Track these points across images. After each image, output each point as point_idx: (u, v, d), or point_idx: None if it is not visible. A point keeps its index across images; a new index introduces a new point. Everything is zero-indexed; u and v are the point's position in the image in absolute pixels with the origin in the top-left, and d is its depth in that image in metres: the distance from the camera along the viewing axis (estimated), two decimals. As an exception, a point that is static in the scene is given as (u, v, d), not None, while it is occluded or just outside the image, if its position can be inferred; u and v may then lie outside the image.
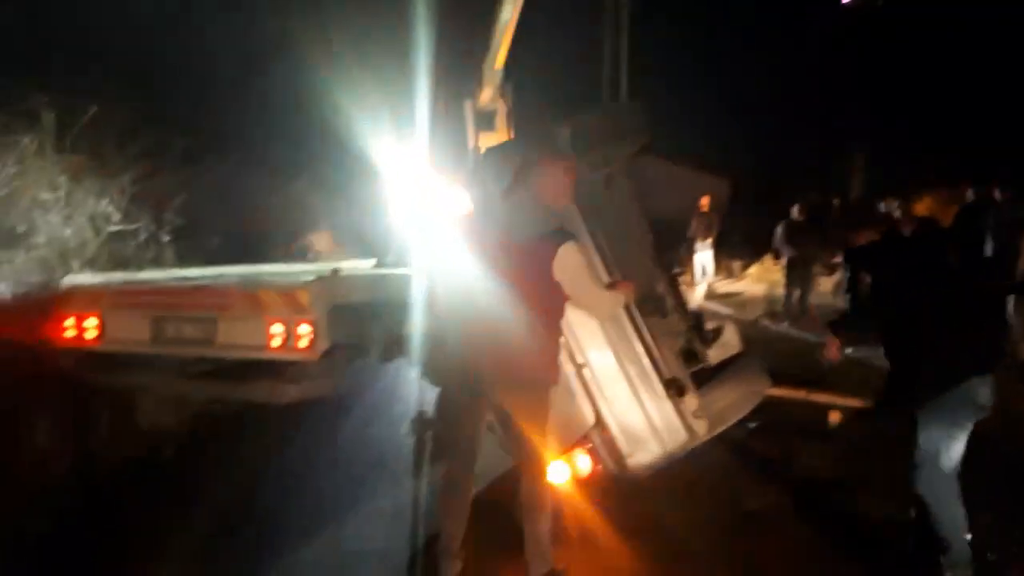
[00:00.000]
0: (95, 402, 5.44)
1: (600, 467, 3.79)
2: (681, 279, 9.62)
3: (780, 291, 11.19)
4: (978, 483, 3.94)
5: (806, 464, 4.78)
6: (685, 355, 4.27)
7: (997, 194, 9.05)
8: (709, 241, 12.47)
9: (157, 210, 8.54)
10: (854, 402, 5.44)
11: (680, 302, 4.79)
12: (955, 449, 3.18)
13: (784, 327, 10.11)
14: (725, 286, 14.29)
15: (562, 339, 3.40)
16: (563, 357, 3.53)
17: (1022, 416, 4.93)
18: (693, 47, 16.51)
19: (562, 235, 3.05)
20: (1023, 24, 13.72)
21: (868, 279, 3.45)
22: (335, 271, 5.26)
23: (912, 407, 3.21)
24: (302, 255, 9.87)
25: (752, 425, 4.94)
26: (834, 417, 4.27)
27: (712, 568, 3.54)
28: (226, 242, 9.58)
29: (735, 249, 15.16)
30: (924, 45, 15.60)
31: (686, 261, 12.50)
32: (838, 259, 11.60)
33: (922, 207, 14.14)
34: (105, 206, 8.00)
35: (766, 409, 4.61)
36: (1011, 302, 8.04)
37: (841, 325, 3.67)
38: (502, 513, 3.44)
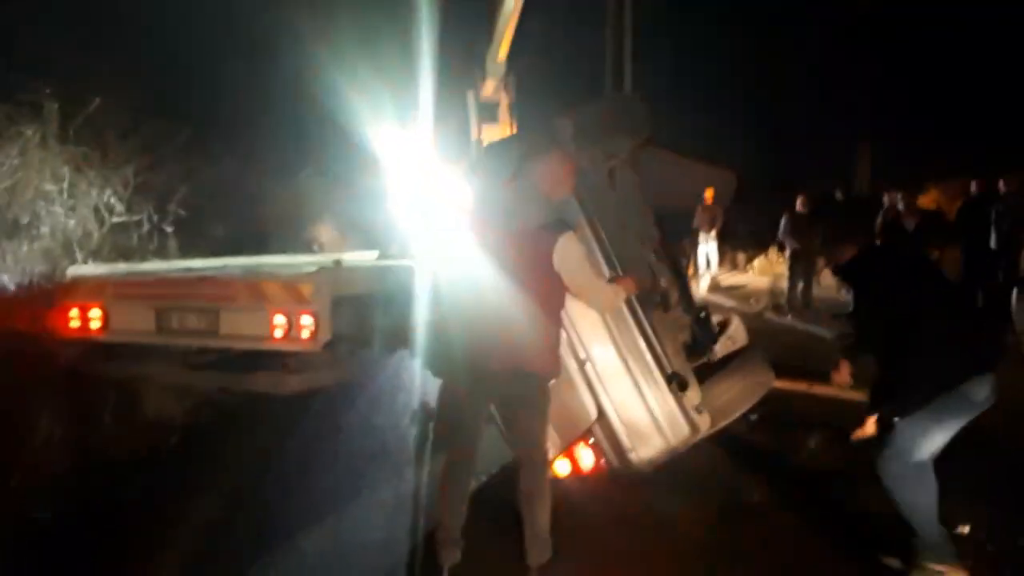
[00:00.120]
0: (99, 392, 5.47)
1: (603, 461, 3.80)
2: (686, 271, 9.61)
3: (784, 284, 11.17)
4: (979, 476, 3.96)
5: (807, 456, 4.78)
6: (690, 349, 4.27)
7: (1002, 186, 9.02)
8: (713, 233, 12.46)
9: (160, 201, 8.55)
10: (855, 395, 5.43)
11: (686, 295, 4.79)
12: (929, 445, 3.16)
13: (788, 320, 10.10)
14: (729, 278, 14.28)
15: (564, 333, 3.41)
16: (565, 351, 3.54)
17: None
18: (698, 38, 16.42)
19: (562, 226, 3.06)
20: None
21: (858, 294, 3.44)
22: (337, 262, 5.27)
23: (904, 415, 3.20)
24: (306, 246, 9.89)
25: (754, 417, 4.95)
26: (812, 443, 4.25)
27: (712, 559, 3.55)
28: (229, 233, 9.60)
29: (740, 241, 15.13)
30: (931, 35, 15.50)
31: (690, 253, 12.49)
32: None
33: (927, 200, 14.08)
34: (108, 197, 8.01)
35: (768, 401, 4.61)
36: (1015, 294, 8.04)
37: (853, 349, 3.61)
38: (502, 503, 3.45)
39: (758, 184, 15.16)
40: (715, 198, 12.55)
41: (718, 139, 15.60)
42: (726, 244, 14.13)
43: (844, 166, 17.18)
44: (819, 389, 5.68)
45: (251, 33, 9.75)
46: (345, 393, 5.09)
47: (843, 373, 3.54)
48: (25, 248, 7.26)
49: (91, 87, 7.93)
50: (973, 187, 9.64)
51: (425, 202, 4.92)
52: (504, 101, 6.27)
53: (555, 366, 3.19)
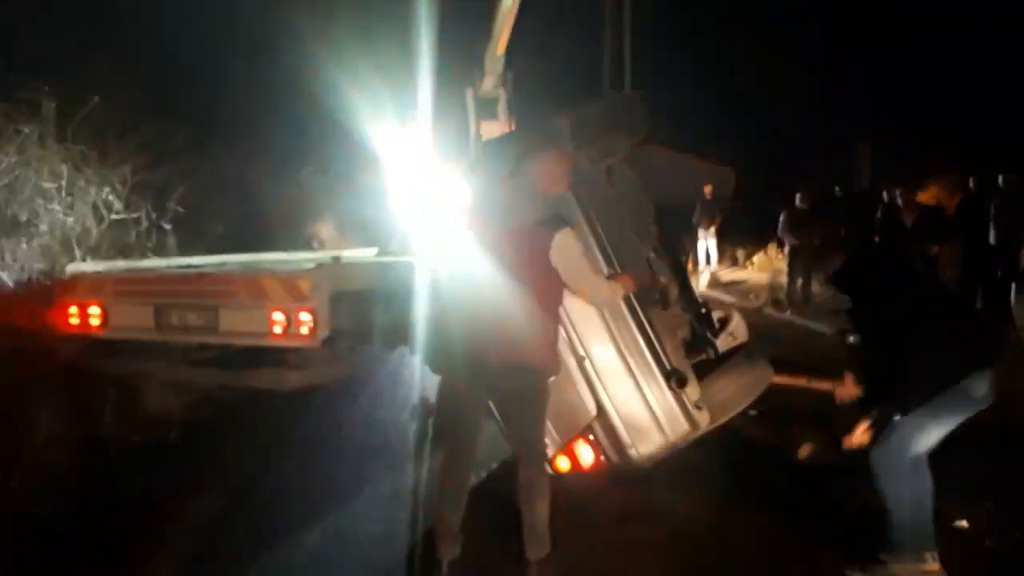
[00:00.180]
0: (99, 389, 5.48)
1: (602, 458, 3.81)
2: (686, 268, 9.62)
3: (784, 279, 11.19)
4: (978, 472, 3.98)
5: (806, 451, 4.78)
6: (690, 345, 4.28)
7: (1001, 182, 9.02)
8: (713, 229, 12.48)
9: (159, 199, 8.56)
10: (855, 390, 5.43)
11: (686, 292, 4.79)
12: (926, 440, 3.18)
13: (787, 315, 10.11)
14: (729, 274, 14.30)
15: (563, 331, 3.42)
16: (565, 349, 3.55)
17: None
18: (697, 34, 16.41)
19: (559, 221, 3.08)
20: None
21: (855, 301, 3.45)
22: (336, 259, 5.28)
23: (906, 413, 3.20)
24: (306, 244, 9.90)
25: (752, 412, 4.95)
26: (804, 451, 4.21)
27: (712, 555, 3.56)
28: (229, 231, 9.60)
29: (740, 237, 15.14)
30: (930, 33, 15.47)
31: (689, 249, 12.51)
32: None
33: (927, 195, 14.07)
34: (107, 195, 8.02)
35: (767, 396, 4.62)
36: (1013, 291, 8.05)
37: (858, 359, 3.58)
38: (501, 498, 3.46)
39: (758, 181, 15.16)
40: (714, 195, 12.56)
41: (718, 137, 15.60)
42: (726, 240, 14.14)
43: (844, 163, 17.17)
44: (818, 384, 5.67)
45: (251, 31, 9.74)
46: (345, 389, 5.10)
47: (848, 386, 3.49)
48: (24, 246, 7.27)
49: (90, 86, 7.93)
50: (971, 183, 9.64)
51: (424, 199, 4.92)
52: (502, 98, 6.27)
53: (554, 362, 3.20)
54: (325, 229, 10.79)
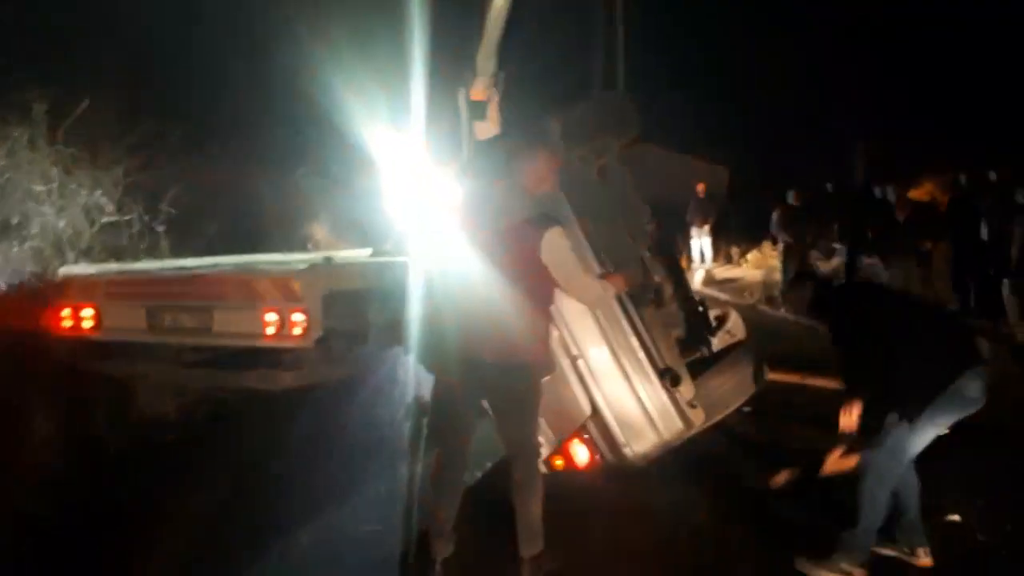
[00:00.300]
0: (93, 391, 5.46)
1: (597, 457, 3.82)
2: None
3: (778, 276, 11.22)
4: (971, 467, 4.00)
5: (799, 448, 4.80)
6: (684, 343, 4.29)
7: (993, 177, 9.06)
8: (707, 227, 12.51)
9: (152, 201, 8.52)
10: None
11: (682, 290, 4.81)
12: (919, 442, 3.22)
13: (781, 312, 10.13)
14: (723, 272, 14.33)
15: (556, 330, 3.42)
16: (559, 348, 3.56)
17: (1018, 400, 4.95)
18: (691, 33, 16.45)
19: (548, 220, 3.09)
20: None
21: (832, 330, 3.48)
22: (328, 259, 5.27)
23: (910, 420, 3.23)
24: (301, 244, 9.88)
25: (746, 409, 4.96)
26: (779, 479, 4.18)
27: (707, 552, 3.57)
28: (223, 232, 9.56)
29: (734, 235, 15.17)
30: (925, 31, 15.55)
31: (683, 247, 12.54)
32: (835, 244, 11.70)
33: (921, 192, 14.12)
34: (99, 197, 7.98)
35: (761, 393, 4.64)
36: (1006, 286, 8.09)
37: (856, 387, 3.48)
38: (495, 496, 3.47)
39: (752, 179, 15.22)
40: (708, 193, 12.60)
41: (712, 135, 15.65)
42: (720, 238, 14.17)
43: (838, 160, 17.20)
44: (812, 381, 5.70)
45: (245, 31, 9.70)
46: (340, 389, 5.10)
47: (852, 418, 3.35)
48: (15, 249, 7.23)
49: (82, 87, 7.89)
50: (963, 180, 9.68)
51: (418, 200, 4.92)
52: (494, 99, 6.25)
53: (546, 360, 3.22)
54: (320, 230, 10.77)
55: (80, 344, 5.25)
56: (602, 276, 3.42)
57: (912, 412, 3.17)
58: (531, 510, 3.16)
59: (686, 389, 3.76)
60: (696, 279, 12.21)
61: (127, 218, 8.27)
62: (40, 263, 7.33)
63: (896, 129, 15.39)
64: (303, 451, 4.57)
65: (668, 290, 4.56)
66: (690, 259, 12.58)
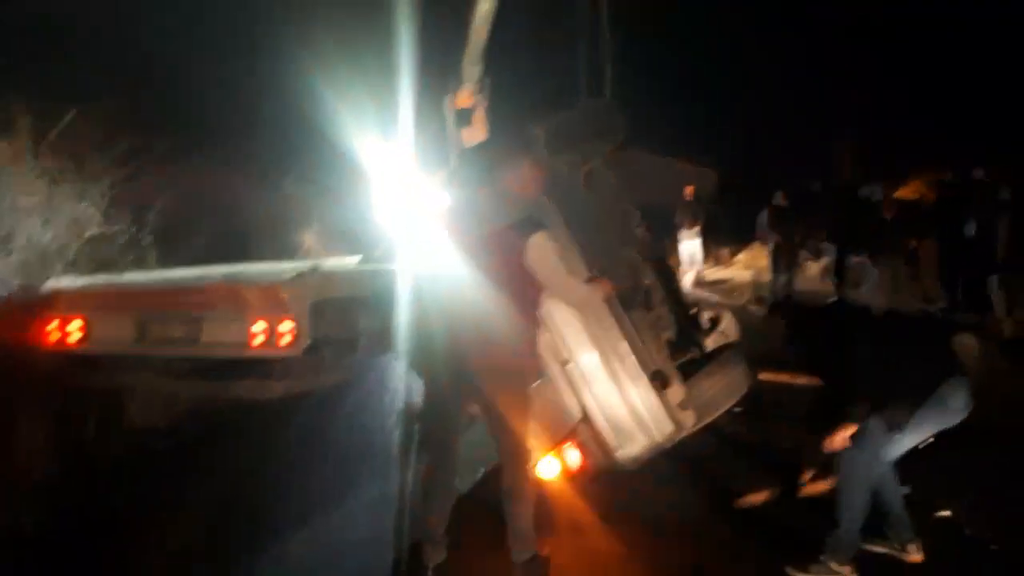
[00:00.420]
0: (82, 404, 5.42)
1: (589, 460, 3.82)
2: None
3: (767, 276, 11.26)
4: (963, 463, 4.02)
5: (789, 448, 4.82)
6: (675, 346, 4.30)
7: (980, 174, 9.13)
8: (696, 230, 12.53)
9: (140, 211, 8.47)
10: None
11: (674, 293, 4.81)
12: (894, 450, 3.27)
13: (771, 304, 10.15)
14: (714, 273, 14.37)
15: (546, 334, 3.43)
16: (548, 353, 3.57)
17: (1007, 397, 4.99)
18: (677, 35, 16.50)
19: (532, 225, 3.11)
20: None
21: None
22: (316, 267, 5.25)
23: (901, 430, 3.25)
24: (290, 253, 9.84)
25: (737, 410, 4.97)
26: (751, 499, 4.18)
27: (695, 551, 3.58)
28: (212, 241, 9.52)
29: (724, 236, 15.23)
30: (912, 28, 15.66)
31: (672, 250, 12.56)
32: (824, 243, 11.77)
33: (909, 190, 14.22)
34: (85, 209, 7.93)
35: (751, 394, 4.65)
36: (994, 282, 8.15)
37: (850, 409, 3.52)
38: (486, 501, 3.47)
39: (741, 180, 15.28)
40: (696, 195, 12.63)
41: (699, 138, 15.70)
42: (710, 239, 14.21)
43: (825, 160, 17.30)
44: (802, 381, 5.72)
45: (232, 41, 9.68)
46: (330, 397, 5.08)
47: (840, 438, 3.28)
48: (1, 262, 7.18)
49: (67, 99, 7.84)
50: (949, 177, 9.76)
51: (406, 208, 4.92)
52: (480, 104, 6.26)
53: (533, 364, 3.23)
54: (309, 238, 10.73)
55: (68, 357, 5.22)
56: (589, 280, 3.43)
57: (897, 419, 3.20)
58: (522, 515, 3.17)
59: (676, 391, 3.76)
60: (686, 281, 12.24)
61: (114, 229, 8.22)
62: (27, 276, 7.27)
63: (882, 128, 15.50)
64: (293, 459, 4.55)
65: (658, 293, 4.57)
66: (679, 262, 12.60)
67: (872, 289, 9.02)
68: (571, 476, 3.84)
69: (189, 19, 9.40)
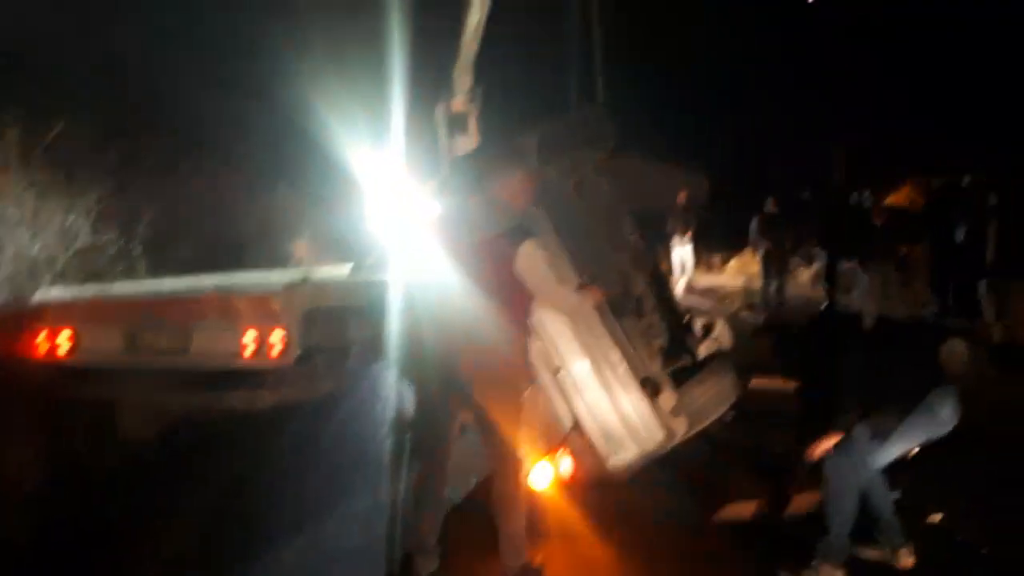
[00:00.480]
0: (73, 416, 5.39)
1: (580, 468, 3.82)
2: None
3: (759, 283, 11.30)
4: (953, 469, 4.03)
5: (781, 453, 4.82)
6: (667, 353, 4.30)
7: (968, 181, 9.21)
8: (687, 237, 12.55)
9: (129, 222, 8.44)
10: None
11: (665, 300, 4.82)
12: (881, 459, 3.28)
13: (762, 318, 10.19)
14: (705, 280, 14.40)
15: (537, 343, 3.43)
16: (540, 361, 3.56)
17: (996, 403, 5.01)
18: (669, 40, 16.57)
19: (522, 233, 3.13)
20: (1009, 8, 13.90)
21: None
22: (306, 277, 5.24)
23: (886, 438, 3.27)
24: (282, 262, 9.83)
25: (729, 416, 4.97)
26: (743, 506, 4.19)
27: (691, 561, 3.57)
28: (202, 251, 9.49)
29: (715, 243, 15.27)
30: (903, 34, 15.77)
31: (664, 257, 12.58)
32: (815, 250, 11.82)
33: (898, 197, 14.30)
34: (74, 220, 7.90)
35: (743, 400, 4.65)
36: (983, 286, 8.20)
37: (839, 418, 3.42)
38: (478, 510, 3.46)
39: (732, 187, 15.32)
40: (688, 202, 12.65)
41: (693, 144, 15.75)
42: (701, 246, 14.24)
43: (816, 167, 17.38)
44: (793, 388, 5.72)
45: (221, 50, 9.68)
46: (322, 406, 5.06)
47: (822, 448, 3.31)
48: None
49: (55, 111, 7.83)
50: (936, 183, 9.84)
51: (397, 216, 4.92)
52: (472, 112, 6.27)
53: (524, 372, 3.23)
54: (300, 247, 10.71)
55: (58, 369, 5.19)
56: (579, 288, 3.43)
57: (883, 427, 3.22)
58: (513, 523, 3.16)
59: (668, 398, 3.76)
60: (678, 288, 12.25)
61: (103, 240, 8.19)
62: (15, 288, 7.24)
63: (872, 135, 15.59)
64: (285, 468, 4.53)
65: (649, 300, 4.57)
66: (671, 268, 12.61)
67: (863, 295, 9.05)
68: (563, 484, 3.84)
69: (180, 30, 9.40)
